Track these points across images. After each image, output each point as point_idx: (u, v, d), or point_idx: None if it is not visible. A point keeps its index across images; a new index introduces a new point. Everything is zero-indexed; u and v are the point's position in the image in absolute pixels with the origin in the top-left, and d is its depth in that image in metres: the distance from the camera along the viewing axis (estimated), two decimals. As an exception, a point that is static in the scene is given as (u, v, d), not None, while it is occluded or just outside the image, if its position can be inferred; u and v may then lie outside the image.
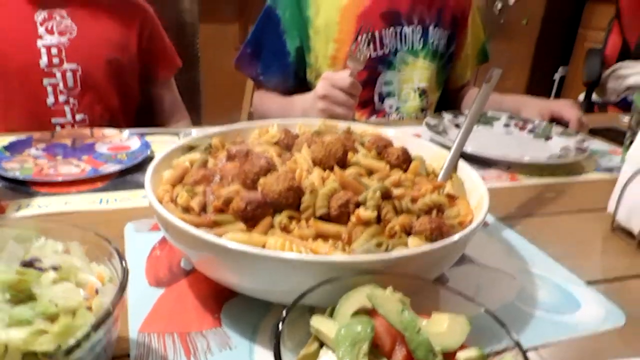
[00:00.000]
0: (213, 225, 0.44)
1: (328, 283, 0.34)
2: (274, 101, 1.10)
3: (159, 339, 0.40)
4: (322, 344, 0.32)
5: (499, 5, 3.01)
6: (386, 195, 0.47)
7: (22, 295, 0.31)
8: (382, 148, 0.60)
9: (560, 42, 3.16)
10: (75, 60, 0.94)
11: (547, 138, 0.95)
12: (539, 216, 0.67)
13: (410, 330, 0.29)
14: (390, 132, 0.66)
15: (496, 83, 0.65)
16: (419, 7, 1.09)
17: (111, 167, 0.71)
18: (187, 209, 0.46)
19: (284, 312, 0.31)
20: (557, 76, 3.13)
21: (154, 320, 0.43)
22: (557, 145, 0.91)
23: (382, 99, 1.10)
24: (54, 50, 0.92)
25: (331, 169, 0.52)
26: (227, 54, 1.70)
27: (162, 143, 0.84)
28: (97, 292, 0.34)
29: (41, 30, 0.92)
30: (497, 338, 0.31)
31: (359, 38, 1.02)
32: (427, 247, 0.39)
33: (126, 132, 0.85)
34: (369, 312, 0.32)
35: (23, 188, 0.66)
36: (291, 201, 0.45)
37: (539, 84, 3.15)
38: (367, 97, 1.09)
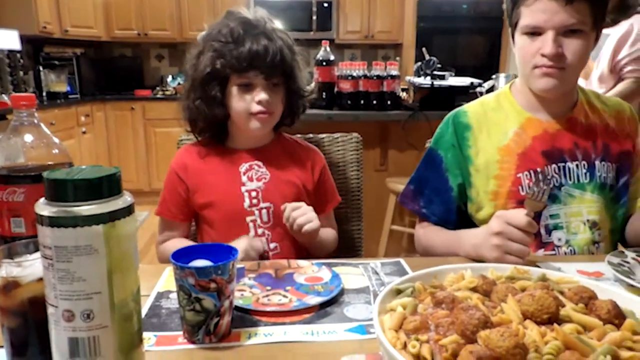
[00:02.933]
0: (447, 376, 0.49)
1: None
2: (438, 235, 1.16)
3: None
4: None
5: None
6: (615, 358, 0.48)
7: None
8: (587, 300, 0.61)
9: None
10: (269, 200, 1.14)
11: None
12: None
13: None
14: (585, 280, 0.67)
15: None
16: (582, 143, 1.11)
17: (313, 300, 0.81)
18: (417, 357, 0.52)
19: None
20: None
21: None
22: None
23: (548, 231, 1.10)
24: (253, 194, 1.13)
25: (542, 323, 0.55)
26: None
27: (345, 274, 0.93)
28: None
29: (244, 178, 1.14)
30: None
31: (521, 176, 1.08)
32: None
33: (316, 263, 0.97)
34: None
35: (247, 316, 0.78)
36: (518, 358, 0.49)
37: None
38: (533, 229, 1.10)
